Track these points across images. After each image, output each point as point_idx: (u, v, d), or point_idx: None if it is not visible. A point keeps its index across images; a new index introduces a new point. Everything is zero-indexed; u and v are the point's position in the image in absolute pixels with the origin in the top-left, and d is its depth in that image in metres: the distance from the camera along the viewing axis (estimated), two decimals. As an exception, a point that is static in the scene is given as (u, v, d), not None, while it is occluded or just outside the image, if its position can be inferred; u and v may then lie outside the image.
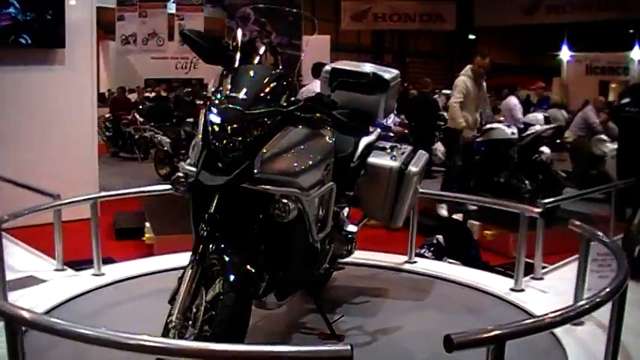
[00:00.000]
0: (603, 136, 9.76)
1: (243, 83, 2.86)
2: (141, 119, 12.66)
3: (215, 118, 2.78)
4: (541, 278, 4.82)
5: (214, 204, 2.77)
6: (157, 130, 10.79)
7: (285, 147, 2.84)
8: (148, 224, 6.68)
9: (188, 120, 9.79)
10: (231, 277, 2.61)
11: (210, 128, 2.79)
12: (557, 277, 4.95)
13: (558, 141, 9.32)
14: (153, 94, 16.57)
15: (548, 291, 4.57)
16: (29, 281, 4.36)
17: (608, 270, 4.44)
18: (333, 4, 24.22)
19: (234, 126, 2.74)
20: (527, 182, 7.55)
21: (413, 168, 3.91)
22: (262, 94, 2.84)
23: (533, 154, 7.71)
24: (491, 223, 7.19)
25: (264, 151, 2.77)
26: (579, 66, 21.61)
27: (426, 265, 5.10)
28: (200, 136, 2.87)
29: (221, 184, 2.72)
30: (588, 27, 21.58)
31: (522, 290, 4.50)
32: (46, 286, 4.32)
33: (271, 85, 2.90)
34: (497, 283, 4.67)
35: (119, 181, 9.98)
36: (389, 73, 4.15)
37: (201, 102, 9.49)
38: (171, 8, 16.74)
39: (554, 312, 2.58)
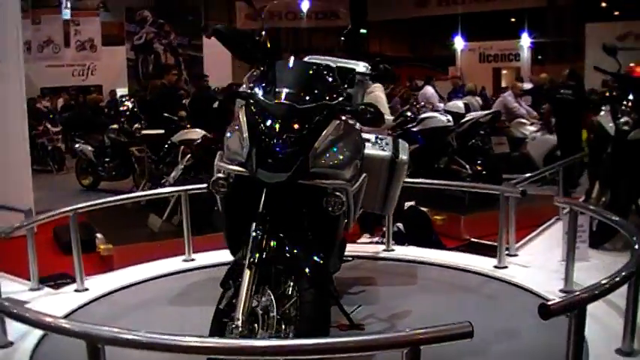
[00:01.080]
0: (522, 119, 10.22)
1: (289, 79, 2.84)
2: (54, 129, 12.09)
3: (267, 115, 2.72)
4: (516, 255, 4.99)
5: (262, 201, 2.71)
6: (78, 139, 10.35)
7: (332, 141, 2.82)
8: (99, 235, 6.42)
9: (112, 127, 9.44)
10: (308, 272, 2.56)
11: (262, 125, 2.72)
12: (529, 252, 5.16)
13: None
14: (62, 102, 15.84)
15: (529, 265, 4.76)
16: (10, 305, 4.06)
17: (580, 242, 4.70)
18: (226, 3, 23.99)
19: (288, 122, 2.71)
20: (467, 167, 7.80)
21: (403, 157, 3.97)
22: (309, 89, 2.82)
23: (471, 139, 7.97)
24: (439, 208, 7.39)
25: (317, 146, 2.73)
26: (472, 55, 22.47)
27: (405, 251, 5.18)
28: (245, 134, 2.76)
29: (282, 180, 2.66)
30: (478, 17, 22.47)
31: (506, 267, 4.65)
32: (37, 306, 4.06)
33: (315, 79, 2.88)
34: (480, 263, 4.81)
35: (38, 195, 9.47)
36: (363, 67, 4.22)
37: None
38: (67, 14, 16.13)
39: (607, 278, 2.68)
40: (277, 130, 2.70)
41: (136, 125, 8.73)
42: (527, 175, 5.76)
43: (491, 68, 22.28)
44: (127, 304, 4.16)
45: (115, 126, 9.36)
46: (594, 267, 4.52)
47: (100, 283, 4.46)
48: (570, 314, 2.39)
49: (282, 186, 2.69)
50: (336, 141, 2.84)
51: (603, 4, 26.02)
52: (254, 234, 2.66)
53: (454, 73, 15.63)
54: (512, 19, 24.01)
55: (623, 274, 2.72)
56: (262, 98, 2.79)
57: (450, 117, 8.10)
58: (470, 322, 2.06)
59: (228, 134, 3.01)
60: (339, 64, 4.29)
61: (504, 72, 22.83)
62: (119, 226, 6.59)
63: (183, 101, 8.77)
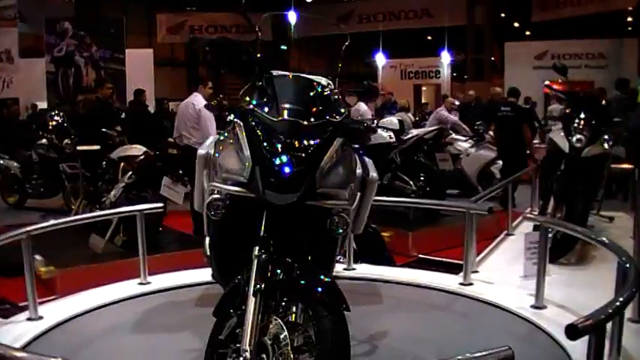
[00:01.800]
0: (456, 135, 10.39)
1: (291, 95, 2.71)
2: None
3: (271, 132, 2.59)
4: (477, 271, 5.00)
5: (264, 224, 2.58)
6: (2, 154, 9.77)
7: (336, 160, 2.70)
8: (38, 257, 6.02)
9: (40, 142, 8.96)
10: (325, 298, 2.43)
11: (265, 143, 2.58)
12: (489, 269, 5.20)
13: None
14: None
15: (492, 281, 4.78)
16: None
17: (534, 255, 4.77)
18: (146, 17, 23.54)
19: (294, 139, 2.57)
20: (411, 183, 7.83)
21: (373, 174, 3.92)
22: (313, 105, 2.70)
23: (414, 155, 8.01)
24: (384, 224, 7.37)
25: (323, 165, 2.61)
26: (394, 71, 22.81)
27: (366, 270, 5.10)
28: (247, 152, 2.61)
29: (292, 201, 2.52)
30: (399, 35, 22.88)
31: (471, 284, 4.65)
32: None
33: (317, 95, 2.76)
34: (444, 280, 4.79)
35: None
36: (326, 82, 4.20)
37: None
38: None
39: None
40: (283, 148, 2.55)
41: (67, 141, 8.32)
42: (486, 191, 5.82)
43: (412, 85, 22.68)
44: (88, 332, 3.90)
45: (44, 141, 8.88)
46: (556, 281, 4.58)
47: (54, 311, 4.15)
48: (590, 334, 2.36)
49: (287, 207, 2.56)
50: (338, 160, 2.73)
51: (516, 25, 27.09)
52: (258, 259, 2.51)
53: (387, 89, 15.83)
54: (431, 37, 24.60)
55: (627, 294, 2.71)
56: (265, 114, 2.65)
57: (391, 133, 8.11)
58: (510, 347, 1.99)
59: (220, 152, 2.85)
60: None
61: (424, 89, 23.31)
62: (56, 247, 6.21)
63: (123, 116, 8.44)
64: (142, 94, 9.45)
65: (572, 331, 2.21)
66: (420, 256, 7.00)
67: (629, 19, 23.06)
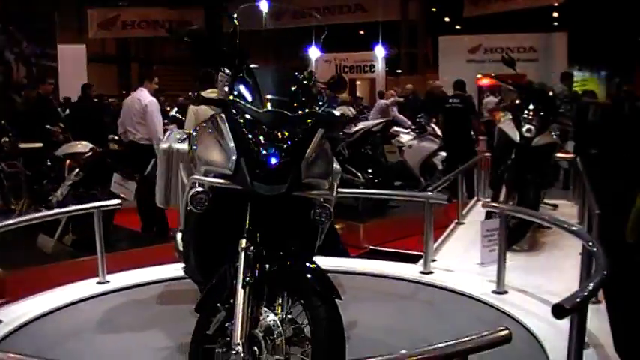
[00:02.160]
0: (397, 128, 10.51)
1: (273, 86, 2.68)
2: None
3: (256, 123, 2.57)
4: (435, 260, 5.09)
5: (249, 216, 2.57)
6: None
7: (317, 150, 2.71)
8: (-17, 260, 5.82)
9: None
10: (318, 288, 2.43)
11: (250, 135, 2.56)
12: (445, 257, 5.28)
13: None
14: None
15: (452, 269, 4.87)
16: None
17: (495, 244, 4.89)
18: (76, 12, 22.92)
19: (279, 130, 2.56)
20: (359, 175, 7.90)
21: (336, 166, 3.96)
22: (296, 96, 2.69)
23: (362, 148, 8.08)
24: (335, 217, 7.41)
25: (307, 155, 2.61)
26: (329, 66, 22.85)
27: (325, 261, 5.10)
28: (231, 144, 2.58)
29: (280, 192, 2.52)
30: (334, 29, 22.93)
31: (432, 272, 4.74)
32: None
33: (299, 86, 2.75)
34: (404, 269, 4.87)
35: None
36: None
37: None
38: None
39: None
40: (269, 139, 2.54)
41: (5, 139, 8.02)
42: (440, 181, 5.92)
43: (347, 79, 22.80)
44: (53, 334, 3.79)
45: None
46: (512, 267, 4.66)
47: (13, 313, 4.02)
48: (573, 314, 2.45)
49: (272, 199, 2.55)
50: (320, 151, 2.74)
51: (447, 19, 27.58)
52: (245, 251, 2.49)
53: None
54: (366, 32, 24.77)
55: (599, 276, 2.79)
56: (249, 106, 2.63)
57: (337, 126, 8.15)
58: (507, 327, 2.05)
59: (199, 144, 2.82)
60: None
61: (359, 83, 23.50)
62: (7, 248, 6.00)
63: (67, 112, 8.17)
64: (90, 89, 9.18)
65: (559, 311, 2.28)
66: (372, 247, 7.09)
67: (555, 14, 23.85)
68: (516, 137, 5.38)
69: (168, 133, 4.20)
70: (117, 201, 4.84)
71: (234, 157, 2.56)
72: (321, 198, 2.68)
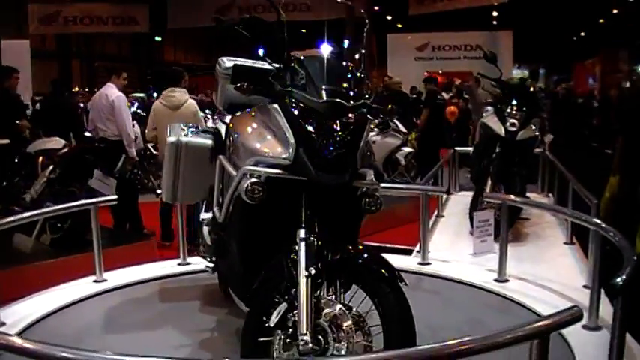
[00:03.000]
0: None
1: (330, 76, 2.66)
2: None
3: (315, 114, 2.56)
4: (428, 251, 5.16)
5: (304, 206, 2.57)
6: None
7: (366, 140, 2.73)
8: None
9: None
10: (386, 274, 2.45)
11: (308, 125, 2.55)
12: (436, 249, 5.35)
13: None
14: None
15: (448, 260, 4.96)
16: None
17: (486, 235, 5.02)
18: (14, 6, 22.15)
19: (340, 121, 2.55)
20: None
21: None
22: (351, 87, 2.68)
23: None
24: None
25: (362, 146, 2.63)
26: (275, 63, 22.86)
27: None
28: (290, 135, 2.56)
29: (344, 182, 2.53)
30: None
31: (430, 263, 4.81)
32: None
33: (353, 76, 2.74)
34: (402, 260, 4.91)
35: None
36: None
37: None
38: None
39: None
40: (330, 129, 2.53)
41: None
42: (429, 174, 6.01)
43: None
44: (59, 334, 3.64)
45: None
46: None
47: (15, 315, 3.89)
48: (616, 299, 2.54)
49: (329, 189, 2.56)
50: (367, 142, 2.76)
51: (389, 17, 27.86)
52: (305, 241, 2.49)
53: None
54: (311, 30, 24.75)
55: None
56: (307, 96, 2.61)
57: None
58: (577, 305, 2.12)
59: (242, 135, 2.80)
60: (257, 66, 4.25)
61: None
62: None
63: (37, 107, 7.90)
64: (59, 84, 8.88)
65: (613, 290, 2.37)
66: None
67: (495, 13, 24.39)
68: (501, 131, 5.52)
69: (177, 126, 4.14)
70: (114, 197, 4.74)
71: (293, 148, 2.54)
72: (371, 188, 2.69)
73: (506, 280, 4.35)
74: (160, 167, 9.47)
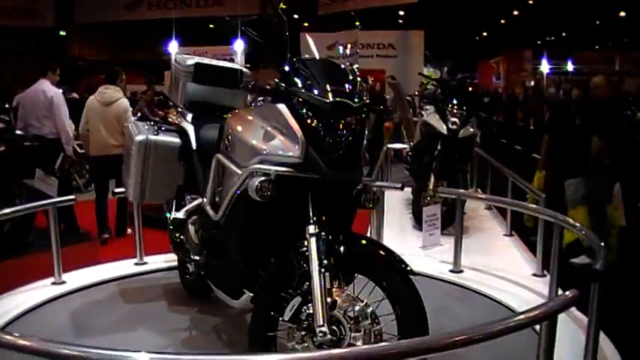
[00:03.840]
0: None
1: (332, 77, 2.73)
2: None
3: (322, 114, 2.63)
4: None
5: (310, 202, 2.66)
6: None
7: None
8: None
9: None
10: (397, 264, 2.58)
11: (317, 124, 2.62)
12: (386, 243, 5.51)
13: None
14: None
15: (402, 253, 5.07)
16: None
17: (434, 228, 5.26)
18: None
19: (346, 120, 2.65)
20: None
21: None
22: (354, 88, 2.76)
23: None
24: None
25: (364, 144, 2.74)
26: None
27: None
28: (299, 133, 2.61)
29: (354, 179, 2.64)
30: (192, 22, 22.74)
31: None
32: None
33: (353, 78, 2.83)
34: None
35: None
36: (244, 69, 4.32)
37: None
38: None
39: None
40: (337, 128, 2.62)
41: None
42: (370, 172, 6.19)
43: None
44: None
45: None
46: (450, 249, 4.94)
47: None
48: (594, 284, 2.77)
49: (333, 185, 2.66)
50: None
51: (295, 16, 28.03)
52: (316, 236, 2.57)
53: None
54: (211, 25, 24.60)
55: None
56: (315, 96, 2.67)
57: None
58: (577, 290, 2.32)
59: (244, 133, 2.85)
60: (224, 65, 4.32)
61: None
62: None
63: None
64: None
65: (596, 275, 2.61)
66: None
67: (401, 12, 25.04)
68: (443, 129, 5.77)
69: (141, 124, 4.13)
70: (72, 197, 4.66)
71: (304, 146, 2.60)
72: (369, 184, 2.82)
73: (461, 271, 4.59)
74: (83, 166, 9.26)
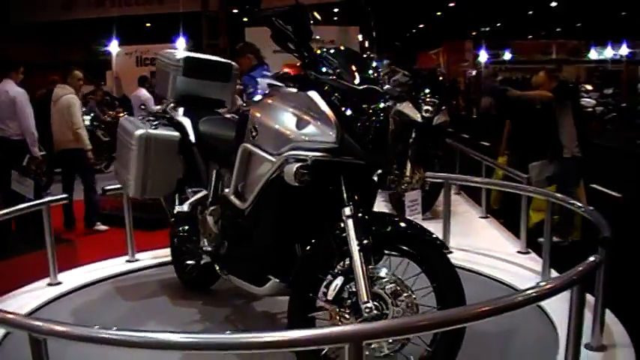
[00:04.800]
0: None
1: (359, 65, 2.83)
2: None
3: (354, 100, 2.73)
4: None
5: (343, 185, 2.75)
6: None
7: None
8: None
9: None
10: (434, 240, 2.71)
11: (349, 110, 2.72)
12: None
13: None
14: None
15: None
16: None
17: (415, 214, 5.42)
18: None
19: (376, 105, 2.76)
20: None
21: None
22: (377, 75, 2.88)
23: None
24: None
25: (389, 126, 2.86)
26: (129, 58, 22.25)
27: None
28: (333, 119, 2.67)
29: (387, 160, 2.75)
30: (133, 20, 22.45)
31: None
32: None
33: (375, 66, 2.94)
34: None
35: None
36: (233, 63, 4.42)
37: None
38: None
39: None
40: (370, 113, 2.72)
41: None
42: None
43: (149, 72, 22.32)
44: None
45: None
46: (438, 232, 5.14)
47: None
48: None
49: (363, 168, 2.77)
50: None
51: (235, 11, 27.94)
52: (353, 218, 2.67)
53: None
54: (165, 23, 24.31)
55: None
56: (347, 83, 2.76)
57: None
58: (594, 257, 2.52)
59: (273, 120, 2.90)
60: (213, 59, 4.39)
61: (157, 74, 23.11)
62: None
63: None
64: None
65: (606, 242, 2.81)
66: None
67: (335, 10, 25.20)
68: (418, 117, 5.93)
69: (134, 119, 4.15)
70: (65, 195, 4.64)
71: (339, 131, 2.67)
72: (393, 168, 2.95)
73: (451, 252, 4.74)
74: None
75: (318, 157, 2.72)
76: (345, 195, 2.74)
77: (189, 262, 4.06)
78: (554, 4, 27.00)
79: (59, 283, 4.41)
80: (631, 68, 28.13)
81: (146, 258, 4.91)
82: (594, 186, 9.14)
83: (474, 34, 31.62)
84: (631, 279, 5.37)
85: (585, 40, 30.53)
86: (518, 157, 7.26)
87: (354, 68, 2.81)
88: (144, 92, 11.98)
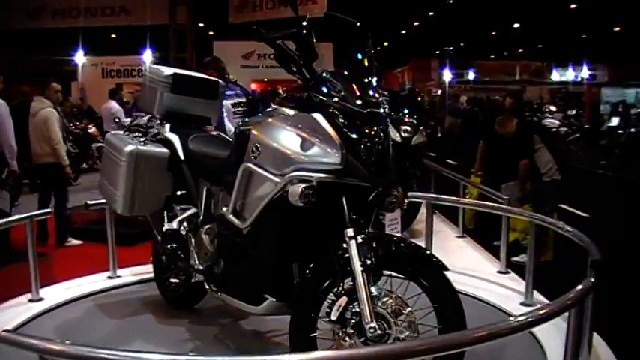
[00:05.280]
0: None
1: (361, 87, 2.88)
2: None
3: (359, 122, 2.78)
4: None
5: (346, 207, 2.79)
6: None
7: None
8: None
9: None
10: (435, 262, 2.77)
11: (354, 132, 2.76)
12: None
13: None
14: None
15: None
16: None
17: (396, 232, 5.51)
18: None
19: (378, 127, 2.81)
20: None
21: None
22: (379, 97, 2.93)
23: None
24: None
25: (391, 150, 2.91)
26: (95, 70, 22.07)
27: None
28: (338, 141, 2.73)
29: (392, 182, 2.80)
30: (99, 32, 22.25)
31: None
32: None
33: (377, 88, 2.98)
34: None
35: None
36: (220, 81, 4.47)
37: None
38: None
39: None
40: (370, 135, 2.77)
41: None
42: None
43: (114, 83, 22.14)
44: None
45: None
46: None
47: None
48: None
49: (364, 190, 2.82)
50: None
51: (201, 24, 27.92)
52: (355, 239, 2.72)
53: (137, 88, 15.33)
54: (132, 35, 24.18)
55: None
56: (351, 106, 2.81)
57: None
58: (592, 278, 2.60)
59: (277, 141, 2.93)
60: (201, 77, 4.42)
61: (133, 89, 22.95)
62: None
63: None
64: None
65: (599, 265, 2.89)
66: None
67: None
68: (397, 137, 6.01)
69: (114, 136, 4.13)
70: (49, 210, 4.58)
71: (344, 153, 2.72)
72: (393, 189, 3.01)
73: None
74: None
75: (322, 178, 2.76)
76: (347, 216, 2.78)
77: (173, 279, 4.06)
78: (516, 25, 27.59)
79: (41, 299, 4.36)
80: (593, 91, 28.84)
81: (128, 274, 4.88)
82: (562, 206, 9.34)
83: (437, 53, 32.09)
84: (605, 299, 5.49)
85: (547, 61, 31.26)
86: (491, 177, 7.41)
87: (356, 90, 2.87)
88: (114, 104, 11.91)
